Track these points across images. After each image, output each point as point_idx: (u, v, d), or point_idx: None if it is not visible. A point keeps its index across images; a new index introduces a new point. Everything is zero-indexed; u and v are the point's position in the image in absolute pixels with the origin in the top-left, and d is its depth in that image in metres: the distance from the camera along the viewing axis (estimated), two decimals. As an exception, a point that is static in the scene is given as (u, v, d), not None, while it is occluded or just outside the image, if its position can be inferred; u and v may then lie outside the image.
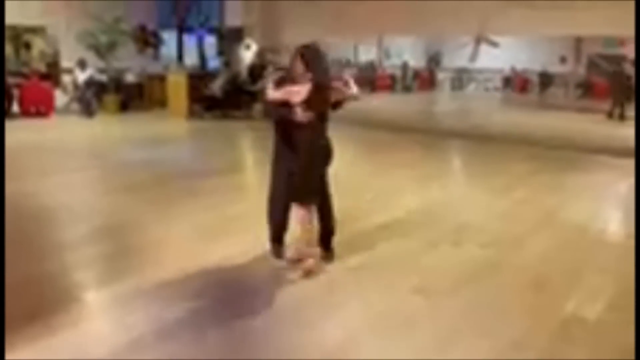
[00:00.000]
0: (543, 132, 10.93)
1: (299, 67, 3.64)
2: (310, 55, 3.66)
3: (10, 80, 11.43)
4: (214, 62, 14.46)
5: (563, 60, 21.07)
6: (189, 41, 15.17)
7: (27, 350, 2.76)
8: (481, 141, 9.99)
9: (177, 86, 12.55)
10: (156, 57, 14.76)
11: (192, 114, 12.03)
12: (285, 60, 12.71)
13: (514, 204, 5.73)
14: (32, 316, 3.09)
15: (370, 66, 23.11)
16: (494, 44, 16.18)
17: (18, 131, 9.91)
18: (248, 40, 12.91)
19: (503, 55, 19.94)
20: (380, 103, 16.86)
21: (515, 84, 23.16)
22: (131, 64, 13.47)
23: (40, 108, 11.40)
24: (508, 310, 3.35)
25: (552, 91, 21.09)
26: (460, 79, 24.99)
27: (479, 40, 15.90)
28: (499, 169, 7.61)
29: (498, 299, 3.49)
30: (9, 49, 15.30)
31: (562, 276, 3.84)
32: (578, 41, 19.13)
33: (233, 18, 13.54)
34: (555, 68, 21.31)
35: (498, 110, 17.77)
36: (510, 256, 4.24)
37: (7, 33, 14.88)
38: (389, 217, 5.09)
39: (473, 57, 17.02)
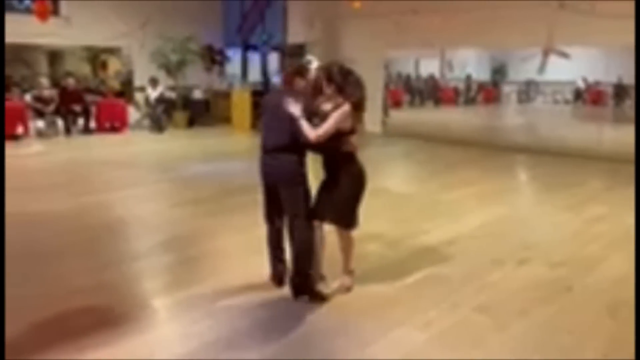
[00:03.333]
0: (618, 147, 10.31)
1: (328, 89, 3.41)
2: (338, 73, 3.43)
3: (89, 97, 12.18)
4: (276, 79, 14.78)
5: (641, 71, 19.88)
6: (253, 59, 15.60)
7: (95, 355, 2.88)
8: (550, 156, 9.57)
9: (241, 102, 12.92)
10: (222, 74, 15.27)
11: (255, 129, 12.31)
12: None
13: (587, 222, 5.43)
14: (101, 322, 3.23)
15: (431, 80, 22.83)
16: (565, 55, 15.50)
17: (94, 146, 10.55)
18: (309, 56, 13.08)
19: (574, 66, 19.05)
20: (443, 116, 16.59)
21: (587, 96, 22.09)
22: (198, 82, 14.02)
23: (115, 124, 12.07)
24: (581, 334, 3.16)
25: (629, 104, 19.91)
26: (528, 91, 24.14)
27: (547, 52, 15.33)
28: (571, 185, 7.23)
29: (570, 322, 3.30)
30: (87, 68, 16.37)
31: (641, 300, 3.58)
32: (657, 51, 18.00)
33: (295, 35, 13.80)
34: (632, 80, 20.15)
35: (568, 124, 16.99)
36: (583, 277, 4.00)
37: (86, 54, 15.93)
38: (452, 234, 4.96)
39: (541, 68, 16.39)
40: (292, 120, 3.32)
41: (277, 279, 3.73)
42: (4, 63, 9.09)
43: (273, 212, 3.63)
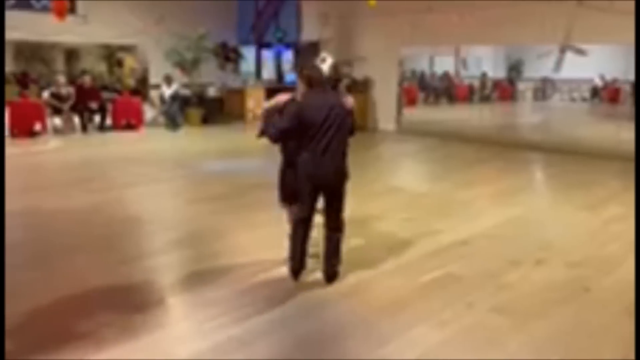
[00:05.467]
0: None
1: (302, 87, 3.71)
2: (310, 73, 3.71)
3: (105, 95, 12.30)
4: (290, 77, 14.78)
5: (660, 68, 19.54)
6: (267, 56, 15.63)
7: (112, 350, 2.91)
8: (567, 155, 9.45)
9: (255, 100, 12.94)
10: (236, 72, 15.31)
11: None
12: (357, 72, 12.82)
13: (606, 222, 5.35)
14: (118, 318, 3.26)
15: (446, 77, 22.67)
16: (582, 52, 15.30)
17: (111, 143, 10.65)
18: (323, 54, 13.05)
19: (591, 64, 18.78)
20: (458, 114, 16.48)
21: (605, 94, 21.78)
22: (213, 79, 14.08)
23: (130, 121, 12.16)
24: (601, 336, 3.12)
25: (647, 102, 19.59)
26: (544, 89, 23.87)
27: (564, 49, 15.13)
28: (588, 184, 7.13)
29: (589, 324, 3.26)
30: (103, 66, 16.52)
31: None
32: (677, 48, 17.67)
33: (310, 33, 13.78)
34: (650, 77, 19.80)
35: (585, 122, 16.79)
36: (602, 278, 3.95)
37: (102, 51, 16.09)
38: (467, 233, 4.92)
39: (558, 66, 16.19)
40: (350, 117, 3.67)
41: (299, 273, 3.81)
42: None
43: (313, 211, 3.77)
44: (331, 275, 3.79)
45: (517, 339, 3.09)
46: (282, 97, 3.76)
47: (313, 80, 3.65)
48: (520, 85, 24.24)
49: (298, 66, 3.82)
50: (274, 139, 3.69)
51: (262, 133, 3.77)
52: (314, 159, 3.59)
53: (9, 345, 2.91)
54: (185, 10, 13.10)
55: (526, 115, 19.75)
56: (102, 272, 3.99)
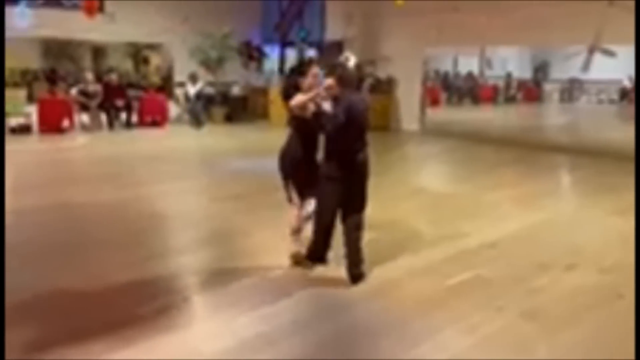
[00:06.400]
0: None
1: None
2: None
3: (131, 92, 12.47)
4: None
5: (692, 70, 19.02)
6: (291, 55, 15.65)
7: (138, 347, 2.92)
8: (595, 157, 9.27)
9: (278, 99, 12.96)
10: (259, 70, 15.38)
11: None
12: (381, 72, 12.75)
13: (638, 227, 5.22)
14: (141, 316, 3.27)
15: (470, 77, 22.43)
16: (611, 54, 14.98)
17: (136, 140, 10.79)
18: (347, 53, 13.01)
19: (620, 65, 18.41)
20: (482, 115, 16.29)
21: (634, 96, 21.30)
22: (237, 78, 14.17)
23: (156, 118, 12.32)
24: (633, 343, 3.03)
25: (678, 104, 19.10)
26: (571, 90, 23.45)
27: (592, 50, 14.83)
28: (618, 188, 6.95)
29: (621, 331, 3.18)
30: (129, 64, 16.76)
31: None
32: None
33: (334, 32, 13.77)
34: (682, 79, 19.30)
35: (614, 124, 16.45)
36: (634, 284, 3.85)
37: (128, 49, 16.33)
38: (494, 236, 4.85)
39: (585, 67, 15.86)
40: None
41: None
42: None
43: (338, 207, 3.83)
44: (356, 277, 3.78)
45: (547, 344, 3.04)
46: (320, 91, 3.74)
47: (346, 80, 3.64)
48: (547, 86, 23.86)
49: (325, 65, 3.80)
50: (328, 131, 3.69)
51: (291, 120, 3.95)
52: (349, 157, 3.68)
53: (36, 335, 2.97)
54: (210, 9, 13.21)
55: (552, 116, 19.41)
56: (129, 268, 4.04)
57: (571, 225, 5.39)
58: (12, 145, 9.65)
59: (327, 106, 3.71)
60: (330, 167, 3.73)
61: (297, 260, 4.00)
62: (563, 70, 22.33)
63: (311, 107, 3.70)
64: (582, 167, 8.81)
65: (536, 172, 8.17)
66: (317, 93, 3.70)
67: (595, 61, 15.95)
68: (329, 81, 3.70)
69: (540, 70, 24.82)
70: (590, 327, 3.24)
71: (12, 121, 10.65)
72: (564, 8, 10.19)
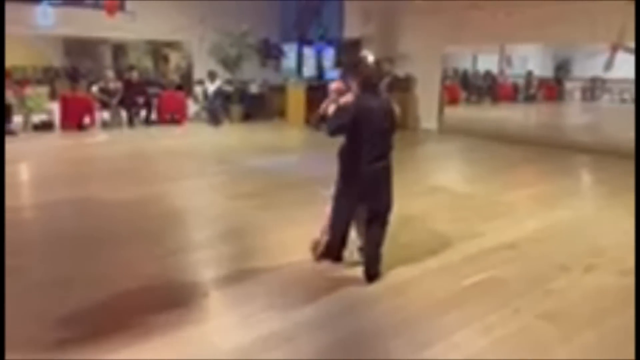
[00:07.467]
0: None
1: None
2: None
3: (150, 90, 12.61)
4: (331, 74, 14.77)
5: None
6: (308, 53, 15.65)
7: (155, 342, 2.96)
8: (617, 158, 9.08)
9: (296, 97, 13.01)
10: (277, 69, 15.41)
11: (308, 125, 12.36)
12: (399, 70, 12.67)
13: (660, 229, 5.12)
14: (161, 310, 3.31)
15: (489, 76, 22.17)
16: (634, 52, 14.68)
17: (156, 137, 10.91)
18: (365, 51, 12.95)
19: (644, 63, 18.01)
20: (501, 114, 16.10)
21: (658, 95, 20.83)
22: (255, 76, 14.22)
23: (175, 116, 12.45)
24: (655, 348, 2.98)
25: None
26: (593, 89, 23.02)
27: (615, 48, 14.56)
28: (640, 189, 6.84)
29: (643, 335, 3.12)
30: (148, 62, 16.91)
31: None
32: None
33: (352, 30, 13.74)
34: None
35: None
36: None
37: (148, 47, 16.47)
38: (512, 236, 4.80)
39: (608, 65, 15.59)
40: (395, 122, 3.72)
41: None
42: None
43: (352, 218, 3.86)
44: (372, 276, 3.77)
45: (565, 347, 3.00)
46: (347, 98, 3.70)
47: (368, 81, 3.62)
48: (568, 85, 23.44)
49: (349, 62, 3.79)
50: (329, 133, 3.70)
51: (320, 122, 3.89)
52: (366, 167, 3.62)
53: (64, 334, 3.02)
54: (229, 7, 13.28)
55: (574, 115, 19.10)
56: (149, 263, 4.09)
57: (592, 226, 5.30)
58: (35, 141, 9.85)
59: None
60: (342, 181, 3.74)
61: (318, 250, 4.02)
62: (585, 68, 21.90)
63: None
64: (604, 167, 8.66)
65: (556, 172, 8.06)
66: (330, 99, 3.73)
67: (619, 59, 15.68)
68: (337, 84, 3.69)
69: (562, 68, 24.41)
70: (609, 330, 3.18)
71: (34, 118, 10.86)
72: (586, 5, 10.03)
